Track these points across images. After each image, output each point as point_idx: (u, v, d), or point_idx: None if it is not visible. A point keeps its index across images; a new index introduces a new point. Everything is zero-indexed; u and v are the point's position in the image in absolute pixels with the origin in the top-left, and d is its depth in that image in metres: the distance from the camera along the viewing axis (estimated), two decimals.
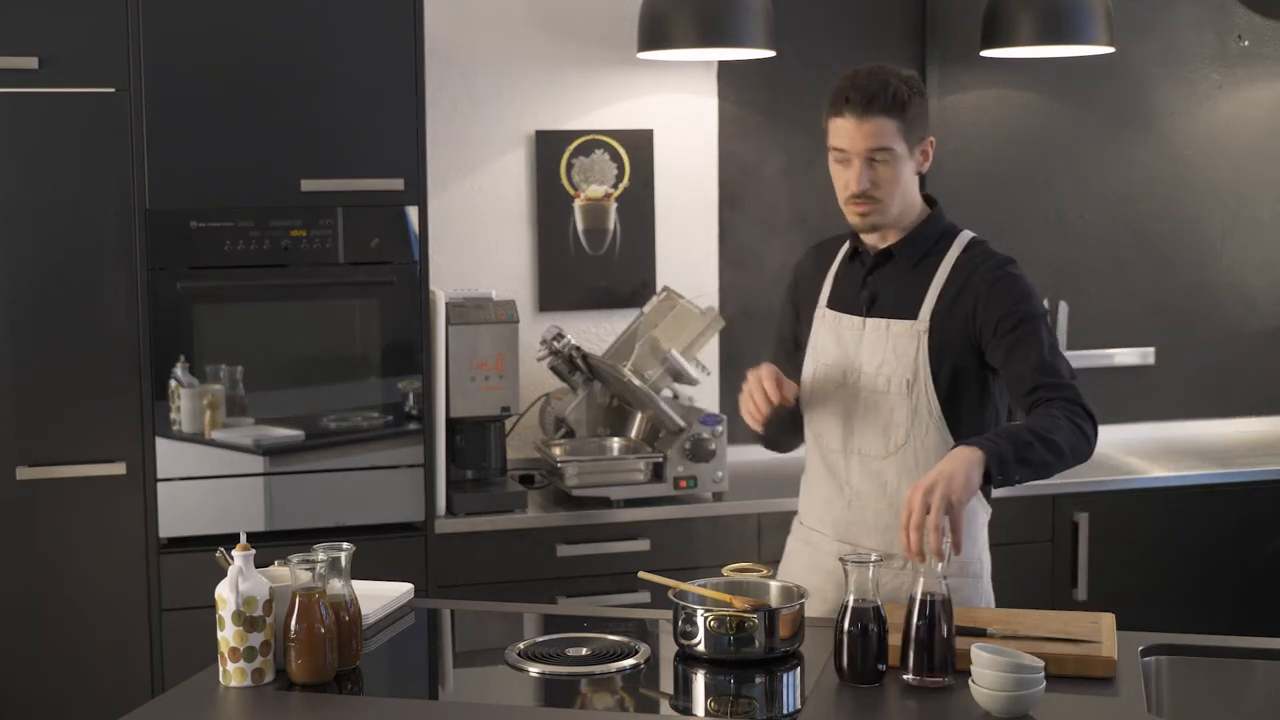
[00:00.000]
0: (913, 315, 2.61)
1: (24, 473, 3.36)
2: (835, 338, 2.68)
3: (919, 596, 2.21)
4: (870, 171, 2.57)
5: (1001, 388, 2.64)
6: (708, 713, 2.25)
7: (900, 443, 2.62)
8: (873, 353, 2.63)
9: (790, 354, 2.82)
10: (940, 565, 2.20)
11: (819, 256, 2.81)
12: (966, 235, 2.70)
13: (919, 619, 2.21)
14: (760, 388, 2.58)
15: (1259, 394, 4.67)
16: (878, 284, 2.66)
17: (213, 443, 3.45)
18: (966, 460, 2.33)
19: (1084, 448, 2.48)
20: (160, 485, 3.42)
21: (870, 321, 2.65)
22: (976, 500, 2.67)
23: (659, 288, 4.10)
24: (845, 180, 2.60)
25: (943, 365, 2.59)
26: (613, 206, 4.16)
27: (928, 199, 2.71)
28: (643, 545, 3.67)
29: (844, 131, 2.57)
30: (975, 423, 2.61)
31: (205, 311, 3.44)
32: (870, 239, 2.69)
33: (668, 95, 4.18)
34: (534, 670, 2.34)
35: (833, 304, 2.72)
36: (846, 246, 2.75)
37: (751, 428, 2.67)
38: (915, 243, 2.66)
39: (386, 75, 3.47)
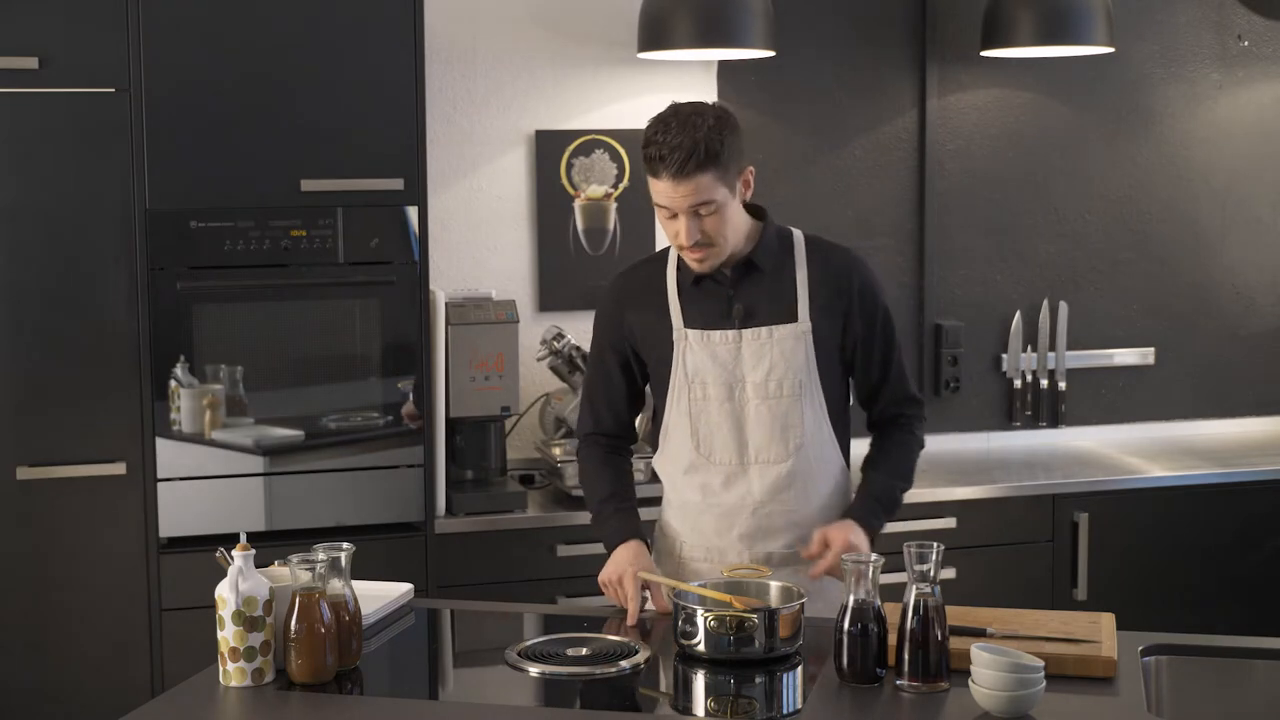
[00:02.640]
0: (792, 319, 2.68)
1: (24, 473, 3.36)
2: (710, 355, 2.67)
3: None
4: (697, 222, 2.59)
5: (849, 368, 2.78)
6: (708, 713, 2.25)
7: (799, 443, 2.68)
8: (757, 362, 2.66)
9: (620, 385, 2.79)
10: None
11: (642, 283, 2.77)
12: (798, 231, 2.78)
13: (913, 624, 2.21)
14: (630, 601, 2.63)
15: (1259, 394, 4.67)
16: (746, 296, 2.69)
17: (213, 443, 3.45)
18: (865, 535, 2.64)
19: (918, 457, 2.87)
20: (160, 485, 3.42)
21: (747, 333, 2.67)
22: (848, 483, 2.83)
23: None
24: (675, 231, 2.62)
25: (826, 360, 2.69)
26: (613, 206, 4.16)
27: (755, 208, 2.73)
28: None
29: (664, 192, 2.58)
30: (840, 404, 2.76)
31: (205, 311, 3.44)
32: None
33: (668, 95, 4.15)
34: (534, 670, 2.34)
35: (691, 324, 2.70)
36: (675, 265, 2.74)
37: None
38: (769, 250, 2.71)
39: (386, 75, 3.47)
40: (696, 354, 2.68)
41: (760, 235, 2.71)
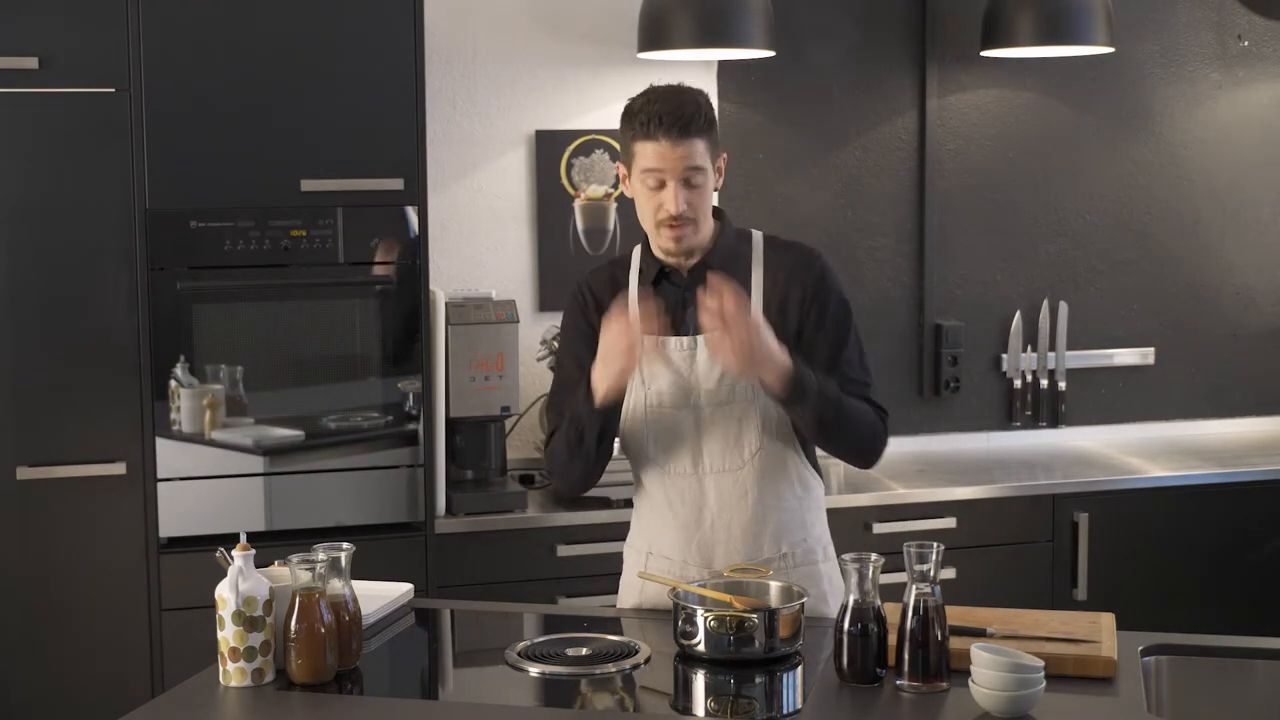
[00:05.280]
0: None
1: (24, 473, 3.36)
2: (664, 362, 2.61)
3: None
4: (686, 192, 2.53)
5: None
6: (708, 713, 2.25)
7: (755, 449, 2.60)
8: (710, 368, 2.59)
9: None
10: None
11: (606, 284, 2.70)
12: (757, 232, 2.71)
13: (913, 624, 2.21)
14: (624, 325, 2.47)
15: (1259, 394, 4.67)
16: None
17: (213, 443, 3.45)
18: (782, 360, 2.46)
19: (876, 438, 2.64)
20: (160, 485, 3.42)
21: (701, 339, 2.58)
22: (814, 483, 2.71)
23: None
24: (659, 203, 2.55)
25: None
26: (613, 206, 4.16)
27: (713, 210, 2.68)
28: None
29: (657, 154, 2.52)
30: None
31: (205, 311, 3.44)
32: (677, 260, 2.64)
33: None
34: (534, 670, 2.34)
35: (649, 329, 2.59)
36: (638, 268, 2.67)
37: (613, 383, 2.51)
38: (725, 252, 2.64)
39: (386, 75, 3.47)
40: (652, 360, 2.61)
41: (718, 237, 2.65)
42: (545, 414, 2.82)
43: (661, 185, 2.54)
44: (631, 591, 2.72)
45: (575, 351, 2.71)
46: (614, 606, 2.76)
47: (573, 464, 2.64)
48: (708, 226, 2.62)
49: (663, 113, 2.51)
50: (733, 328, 2.42)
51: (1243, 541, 4.11)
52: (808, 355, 2.59)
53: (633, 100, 2.59)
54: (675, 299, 2.63)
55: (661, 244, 2.60)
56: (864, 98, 4.34)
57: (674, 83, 2.62)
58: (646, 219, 2.60)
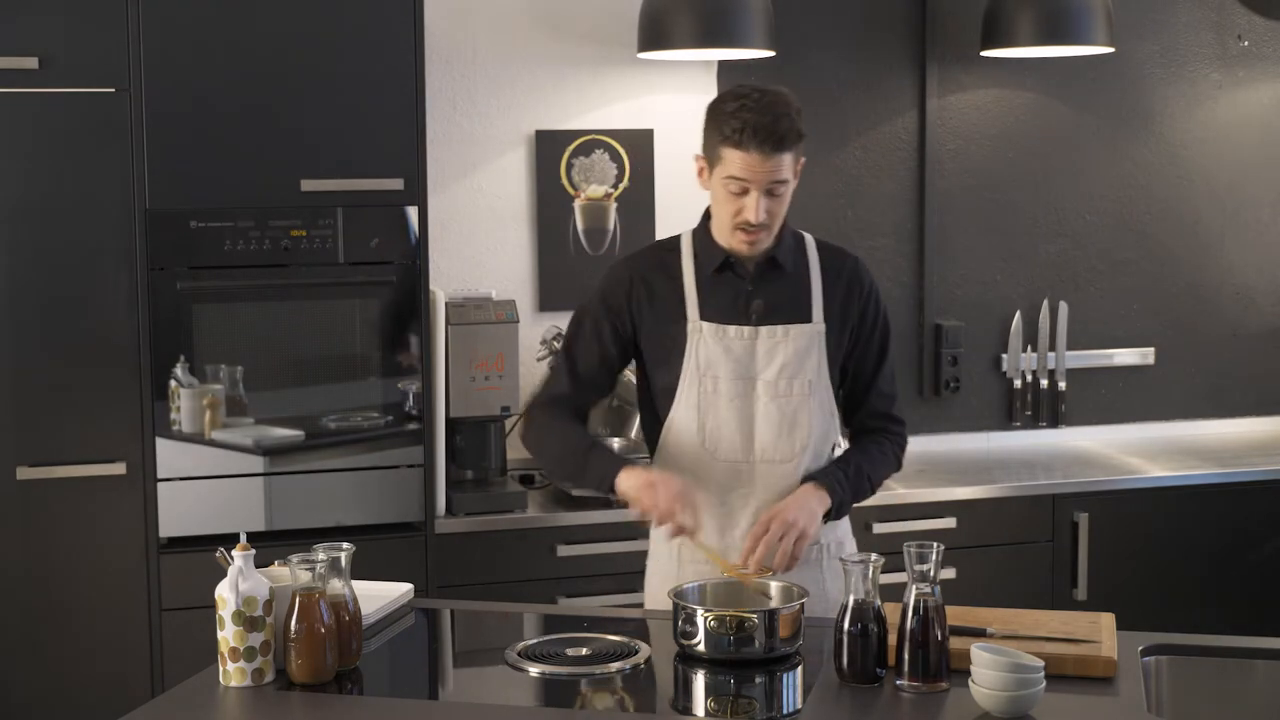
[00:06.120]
0: (806, 319, 2.68)
1: (24, 473, 3.36)
2: (724, 349, 2.65)
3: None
4: (768, 201, 2.58)
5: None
6: (708, 713, 2.25)
7: (805, 443, 2.66)
8: (770, 359, 2.65)
9: (610, 358, 2.71)
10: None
11: (656, 269, 2.72)
12: (807, 234, 2.78)
13: (913, 624, 2.21)
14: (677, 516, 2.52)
15: (1259, 394, 4.67)
16: (765, 293, 2.67)
17: (213, 443, 3.45)
18: (819, 504, 2.60)
19: (898, 464, 2.81)
20: (160, 485, 3.42)
21: (764, 330, 2.65)
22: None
23: None
24: (739, 208, 2.58)
25: (835, 361, 2.70)
26: (613, 206, 4.16)
27: None
28: (643, 545, 3.66)
29: (745, 165, 2.54)
30: (835, 409, 2.75)
31: (205, 311, 3.44)
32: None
33: (668, 95, 4.18)
34: (534, 670, 2.34)
35: (707, 317, 2.66)
36: (692, 254, 2.69)
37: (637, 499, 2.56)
38: (788, 249, 2.71)
39: (386, 75, 3.47)
40: (710, 347, 2.65)
41: (781, 235, 2.70)
42: (551, 376, 2.79)
43: (744, 192, 2.58)
44: (666, 581, 2.66)
45: (600, 330, 2.71)
46: (614, 606, 2.76)
47: (556, 474, 2.75)
48: (778, 228, 2.67)
49: (757, 125, 2.53)
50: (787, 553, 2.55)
51: (1243, 541, 4.11)
52: (857, 362, 2.74)
53: (724, 100, 2.60)
54: (739, 290, 2.68)
55: (735, 245, 2.65)
56: (864, 98, 4.33)
57: (767, 87, 2.63)
58: (722, 218, 2.64)
